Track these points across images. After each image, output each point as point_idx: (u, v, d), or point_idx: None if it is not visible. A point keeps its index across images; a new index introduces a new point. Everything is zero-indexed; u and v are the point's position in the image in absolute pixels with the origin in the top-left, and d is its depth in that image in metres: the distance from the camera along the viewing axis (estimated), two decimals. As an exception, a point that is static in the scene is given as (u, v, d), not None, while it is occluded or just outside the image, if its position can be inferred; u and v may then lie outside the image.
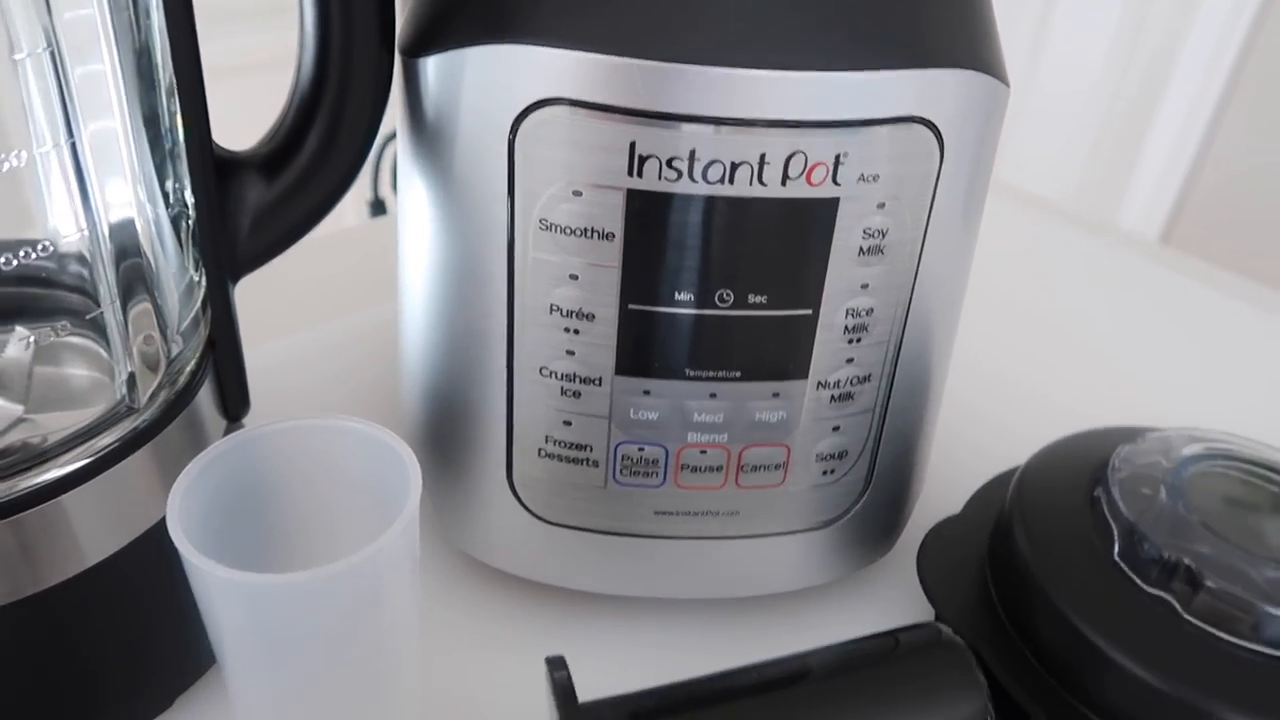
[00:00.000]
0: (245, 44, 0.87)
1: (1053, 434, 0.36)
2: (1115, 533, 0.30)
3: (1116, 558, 0.29)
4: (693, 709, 0.25)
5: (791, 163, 0.26)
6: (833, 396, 0.30)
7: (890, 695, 0.25)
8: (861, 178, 0.27)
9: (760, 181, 0.26)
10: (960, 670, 0.26)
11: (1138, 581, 0.29)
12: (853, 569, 0.35)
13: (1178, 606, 0.28)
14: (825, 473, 0.32)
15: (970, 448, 0.41)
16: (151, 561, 0.28)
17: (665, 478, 0.31)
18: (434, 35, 0.29)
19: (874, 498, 0.33)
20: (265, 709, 0.28)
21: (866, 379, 0.31)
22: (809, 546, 0.33)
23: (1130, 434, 0.33)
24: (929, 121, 0.27)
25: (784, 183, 0.27)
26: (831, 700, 0.25)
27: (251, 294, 0.35)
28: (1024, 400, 0.47)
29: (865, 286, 0.29)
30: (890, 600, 0.36)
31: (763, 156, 0.26)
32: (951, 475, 0.39)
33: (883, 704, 0.25)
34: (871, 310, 0.29)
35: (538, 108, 0.27)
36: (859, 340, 0.30)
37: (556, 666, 0.24)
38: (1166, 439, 0.33)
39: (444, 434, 0.33)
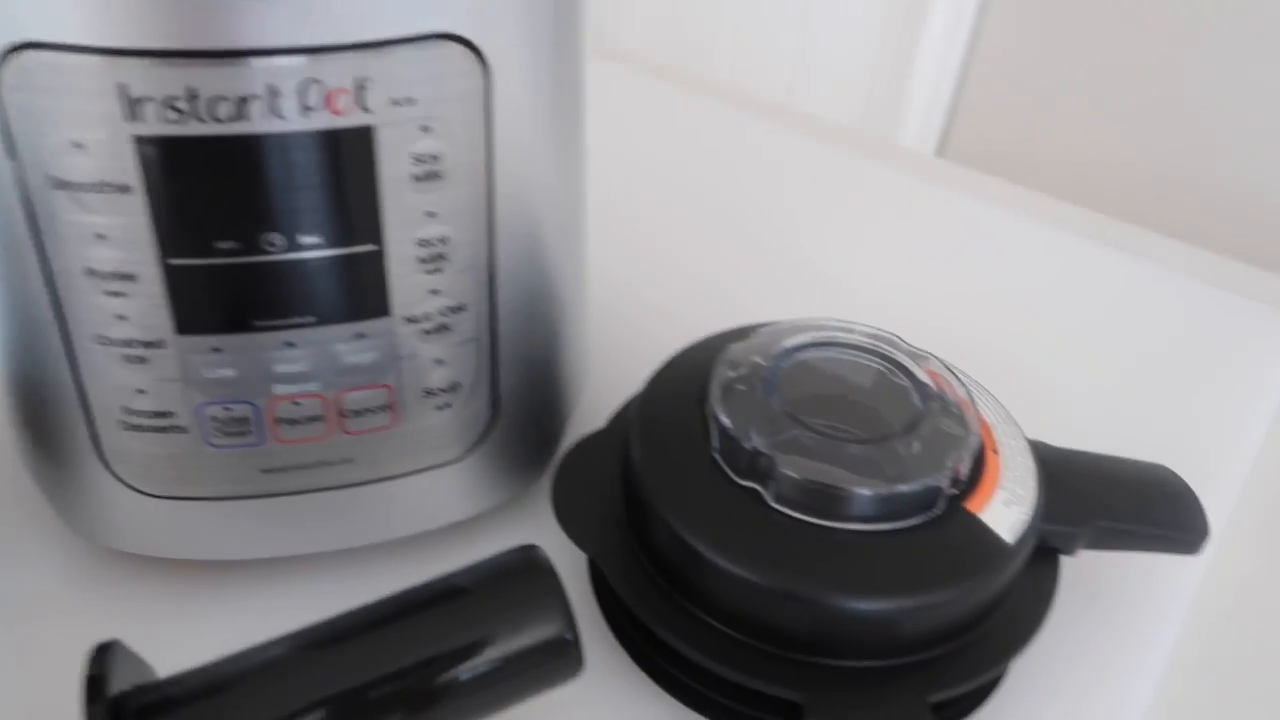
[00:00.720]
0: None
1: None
2: (712, 431, 0.30)
3: (714, 455, 0.30)
4: (246, 678, 0.24)
5: (307, 92, 0.25)
6: (425, 330, 0.30)
7: (469, 627, 0.25)
8: (394, 102, 0.26)
9: (277, 114, 0.25)
10: (542, 592, 0.26)
11: (731, 476, 0.30)
12: (504, 498, 0.35)
13: (765, 496, 0.29)
14: (439, 408, 0.31)
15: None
16: None
17: (262, 435, 0.30)
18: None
19: (507, 426, 0.33)
20: None
21: (461, 309, 0.30)
22: (443, 482, 0.33)
23: (745, 332, 0.34)
24: (465, 40, 0.26)
25: (304, 114, 0.25)
26: (406, 641, 0.25)
27: None
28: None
29: (432, 214, 0.28)
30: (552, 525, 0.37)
31: (272, 88, 0.24)
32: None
33: (461, 637, 0.25)
34: (446, 238, 0.28)
35: (16, 53, 0.24)
36: (440, 270, 0.29)
37: (95, 655, 0.23)
38: (773, 333, 0.33)
39: (33, 417, 0.31)
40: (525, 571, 0.26)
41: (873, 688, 0.29)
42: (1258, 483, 0.43)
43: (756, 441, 0.29)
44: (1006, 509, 0.31)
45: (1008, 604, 0.31)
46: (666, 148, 0.63)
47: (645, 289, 0.49)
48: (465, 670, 0.25)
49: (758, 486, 0.29)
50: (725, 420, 0.30)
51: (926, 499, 0.29)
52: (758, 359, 0.32)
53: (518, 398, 0.33)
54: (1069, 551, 0.33)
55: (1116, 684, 0.33)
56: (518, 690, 0.26)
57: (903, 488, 0.29)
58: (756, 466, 0.29)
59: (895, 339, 0.34)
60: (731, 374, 0.32)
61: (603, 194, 0.55)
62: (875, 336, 0.34)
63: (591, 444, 0.35)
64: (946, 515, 0.30)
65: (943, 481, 0.30)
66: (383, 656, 0.25)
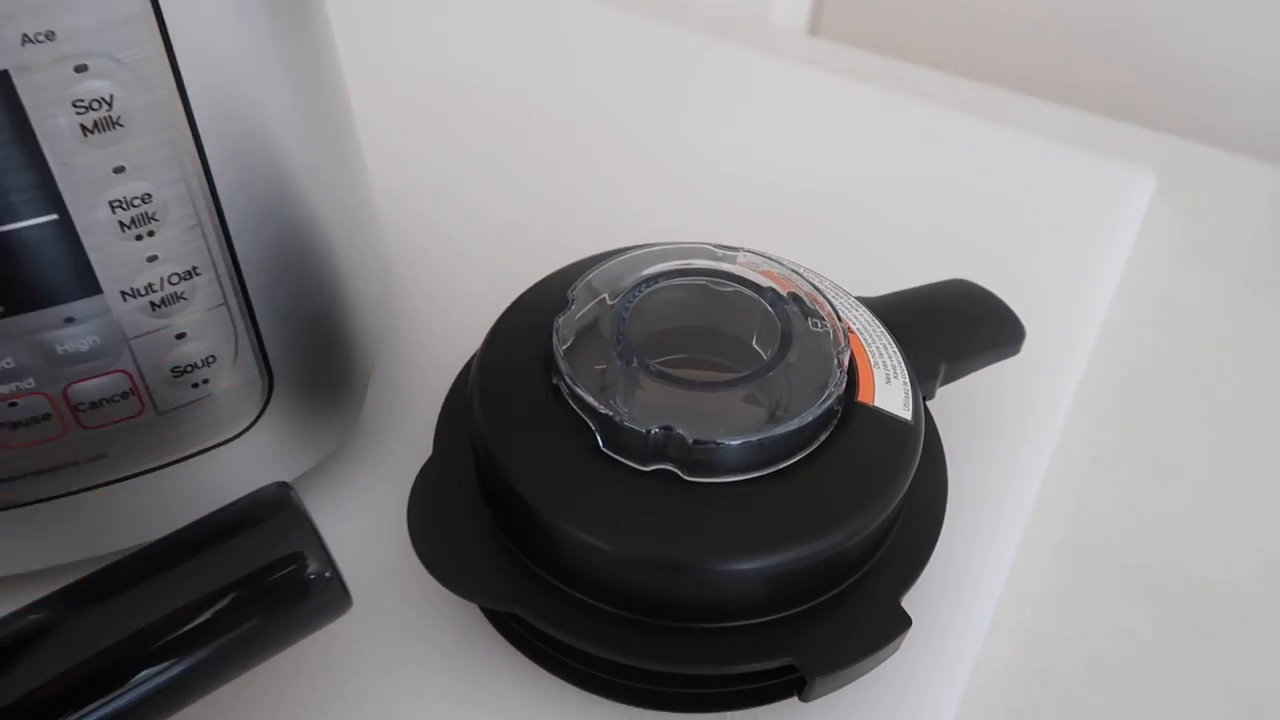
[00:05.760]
0: None
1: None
2: (591, 426, 0.26)
3: (605, 450, 0.26)
4: None
5: (-99, 39, 0.20)
6: (152, 304, 0.25)
7: (215, 578, 0.23)
8: (28, 39, 0.21)
9: None
10: (289, 530, 0.24)
11: (635, 466, 0.26)
12: (304, 467, 0.31)
13: (679, 472, 0.25)
14: (197, 385, 0.27)
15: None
16: None
17: (-18, 443, 0.26)
18: None
19: (289, 391, 0.29)
20: None
21: (193, 273, 0.26)
22: (228, 462, 0.29)
23: (567, 280, 0.30)
24: (107, -53, 0.21)
25: (-94, 66, 0.20)
26: (150, 601, 0.23)
27: None
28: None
29: (121, 169, 0.23)
30: (365, 489, 0.33)
31: None
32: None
33: (208, 587, 0.23)
34: (148, 195, 0.24)
35: None
36: (151, 233, 0.24)
37: None
38: (605, 277, 0.29)
39: None
40: (272, 513, 0.24)
41: (838, 613, 0.26)
42: (1109, 335, 0.41)
43: (650, 423, 0.25)
44: (890, 386, 0.28)
45: (920, 473, 0.28)
46: (507, 41, 0.57)
47: (481, 206, 0.45)
48: (220, 623, 0.23)
49: (668, 467, 0.26)
50: (605, 414, 0.26)
51: (832, 411, 0.27)
52: (598, 324, 0.28)
53: (296, 359, 0.29)
54: (931, 397, 0.31)
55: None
56: (285, 633, 0.24)
57: (815, 411, 0.26)
58: (663, 447, 0.25)
59: (710, 247, 0.30)
60: (575, 347, 0.27)
61: (416, 104, 0.50)
62: (702, 249, 0.30)
63: (434, 467, 0.30)
64: (846, 418, 0.27)
65: (839, 387, 0.27)
66: (123, 620, 0.23)
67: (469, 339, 0.32)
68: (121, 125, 0.23)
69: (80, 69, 0.22)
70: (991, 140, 0.49)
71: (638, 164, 0.48)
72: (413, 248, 0.42)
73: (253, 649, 0.24)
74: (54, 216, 0.23)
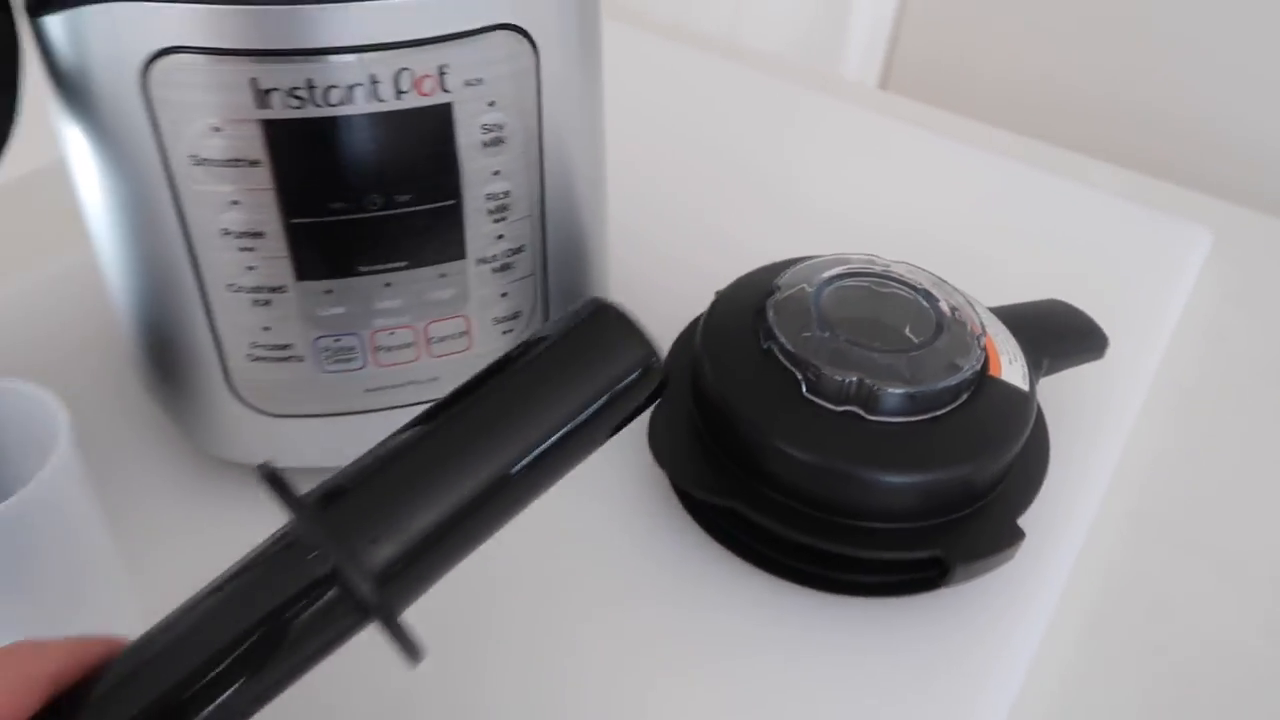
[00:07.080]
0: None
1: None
2: (798, 377, 0.36)
3: (808, 395, 0.36)
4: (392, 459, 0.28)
5: (401, 79, 0.30)
6: (493, 269, 0.36)
7: (559, 370, 0.27)
8: (468, 82, 0.32)
9: (377, 98, 0.31)
10: (621, 328, 0.27)
11: (830, 407, 0.35)
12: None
13: (863, 414, 0.35)
14: (505, 333, 0.38)
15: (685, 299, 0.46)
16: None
17: (365, 360, 0.36)
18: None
19: (557, 345, 0.40)
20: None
21: (520, 250, 0.36)
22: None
23: (774, 271, 0.40)
24: (519, 27, 0.32)
25: (399, 96, 0.31)
26: (511, 390, 0.26)
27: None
28: (739, 257, 0.46)
29: (497, 173, 0.34)
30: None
31: (373, 77, 0.30)
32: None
33: (553, 377, 0.27)
34: (508, 192, 0.34)
35: (162, 56, 0.29)
36: (504, 219, 0.35)
37: (265, 471, 0.26)
38: (800, 274, 0.39)
39: (163, 355, 0.37)
40: (599, 318, 0.28)
41: (973, 525, 0.36)
42: (1168, 365, 0.50)
43: (844, 374, 0.35)
44: (1012, 366, 0.38)
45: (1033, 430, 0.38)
46: (610, 88, 0.68)
47: (640, 234, 0.55)
48: (576, 410, 0.27)
49: (854, 408, 0.35)
50: (811, 363, 0.36)
51: (972, 379, 0.36)
52: (804, 302, 0.38)
53: (566, 322, 0.39)
54: (1036, 383, 0.41)
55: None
56: (619, 414, 0.28)
57: (961, 375, 0.36)
58: (850, 393, 0.35)
59: (876, 259, 0.40)
60: (782, 319, 0.37)
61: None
62: (869, 260, 0.40)
63: (666, 407, 0.39)
64: (983, 385, 0.37)
65: (979, 362, 0.37)
66: (509, 414, 0.26)
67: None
68: (504, 142, 0.33)
69: (491, 104, 0.32)
70: (1072, 196, 0.59)
71: (751, 198, 0.58)
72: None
73: (603, 429, 0.27)
74: (453, 201, 0.33)
